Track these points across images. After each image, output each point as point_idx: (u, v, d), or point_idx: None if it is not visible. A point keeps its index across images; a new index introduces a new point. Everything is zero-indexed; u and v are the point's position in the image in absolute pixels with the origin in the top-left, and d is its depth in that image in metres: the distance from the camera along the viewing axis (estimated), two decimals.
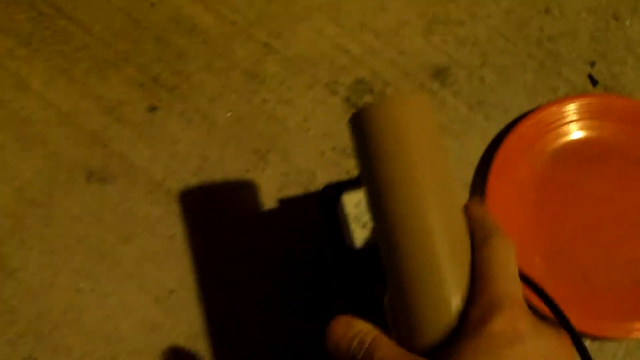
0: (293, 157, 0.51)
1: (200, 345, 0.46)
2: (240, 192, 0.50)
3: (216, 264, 0.49)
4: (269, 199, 0.50)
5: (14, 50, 0.55)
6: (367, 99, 0.52)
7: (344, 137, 0.51)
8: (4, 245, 0.49)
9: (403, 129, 0.29)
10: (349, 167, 0.50)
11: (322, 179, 0.50)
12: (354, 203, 0.40)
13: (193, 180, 0.51)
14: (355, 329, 0.29)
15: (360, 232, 0.39)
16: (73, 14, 0.57)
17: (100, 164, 0.52)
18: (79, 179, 0.52)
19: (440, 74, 0.52)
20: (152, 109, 0.53)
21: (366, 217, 0.39)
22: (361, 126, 0.31)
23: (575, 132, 0.48)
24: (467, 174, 0.49)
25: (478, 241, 0.29)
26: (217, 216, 0.50)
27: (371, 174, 0.30)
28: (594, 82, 0.50)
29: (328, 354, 0.29)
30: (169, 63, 0.55)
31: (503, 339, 0.25)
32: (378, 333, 0.28)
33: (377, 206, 0.30)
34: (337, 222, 0.40)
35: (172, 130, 0.52)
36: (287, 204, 0.49)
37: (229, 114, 0.52)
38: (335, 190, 0.40)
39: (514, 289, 0.27)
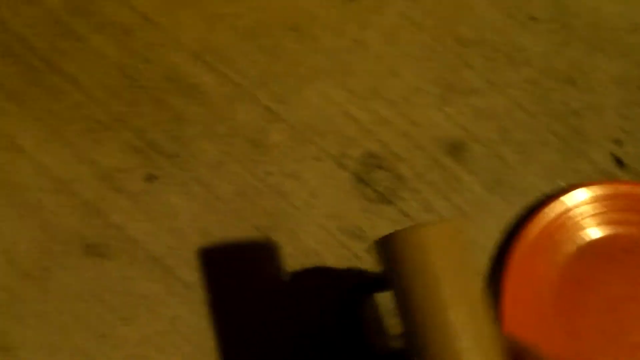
0: (298, 237, 0.48)
1: None
2: (243, 273, 0.48)
3: (220, 349, 0.47)
4: (274, 282, 0.48)
5: (4, 106, 0.52)
6: (377, 174, 0.49)
7: (352, 217, 0.48)
8: (1, 321, 0.48)
9: (429, 269, 0.29)
10: (357, 250, 0.48)
11: (329, 262, 0.48)
12: (385, 305, 0.38)
13: (194, 259, 0.49)
14: None
15: (386, 337, 0.38)
16: (64, 68, 0.53)
17: (97, 237, 0.50)
18: (76, 251, 0.50)
19: (455, 148, 0.49)
20: (150, 178, 0.51)
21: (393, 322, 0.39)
22: (389, 252, 0.30)
23: (600, 227, 0.45)
24: (481, 262, 0.47)
25: None
26: (219, 298, 0.48)
27: (403, 302, 0.29)
28: (620, 163, 0.47)
29: None
30: (167, 127, 0.51)
31: None
32: None
33: (410, 332, 0.30)
34: (361, 323, 0.39)
35: (172, 203, 0.50)
36: (295, 285, 0.48)
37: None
38: (359, 290, 0.39)
39: None
